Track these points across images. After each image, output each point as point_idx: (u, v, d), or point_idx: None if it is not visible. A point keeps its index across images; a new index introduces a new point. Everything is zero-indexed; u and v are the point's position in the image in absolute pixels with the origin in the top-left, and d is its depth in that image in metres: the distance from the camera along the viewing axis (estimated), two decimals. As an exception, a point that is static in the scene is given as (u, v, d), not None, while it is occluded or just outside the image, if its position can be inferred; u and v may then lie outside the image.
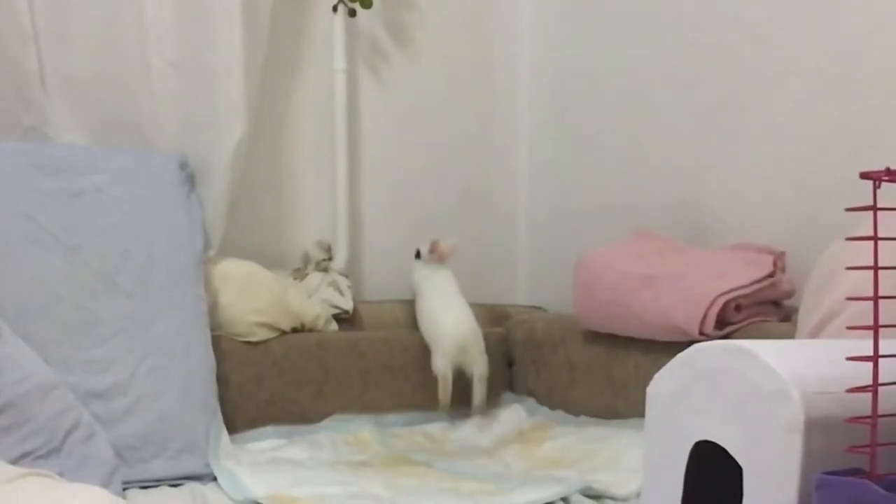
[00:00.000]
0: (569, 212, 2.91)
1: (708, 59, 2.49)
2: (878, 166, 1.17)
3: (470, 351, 2.49)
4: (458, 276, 2.76)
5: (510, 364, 2.69)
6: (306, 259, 2.70)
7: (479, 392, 2.50)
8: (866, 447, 1.14)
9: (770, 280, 2.21)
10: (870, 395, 1.15)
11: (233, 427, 2.26)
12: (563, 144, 2.95)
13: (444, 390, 2.47)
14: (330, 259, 2.70)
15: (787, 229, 2.30)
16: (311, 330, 2.51)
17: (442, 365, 2.46)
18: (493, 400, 2.59)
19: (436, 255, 2.58)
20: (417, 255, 2.62)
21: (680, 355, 1.35)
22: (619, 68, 2.75)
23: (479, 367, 2.50)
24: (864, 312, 1.19)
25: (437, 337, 2.51)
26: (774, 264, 2.22)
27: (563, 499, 1.88)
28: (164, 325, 2.19)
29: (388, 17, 2.83)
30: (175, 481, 2.06)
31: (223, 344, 2.34)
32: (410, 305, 2.72)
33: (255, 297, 2.41)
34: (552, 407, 2.54)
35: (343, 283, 2.64)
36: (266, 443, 2.28)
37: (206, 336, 2.27)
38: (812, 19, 2.25)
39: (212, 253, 2.42)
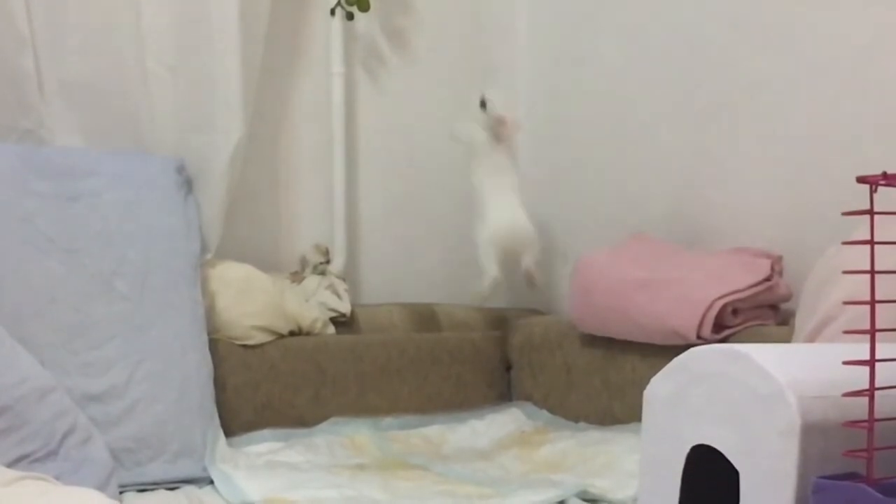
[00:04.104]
0: (566, 216, 2.91)
1: (704, 64, 2.48)
2: (875, 170, 1.17)
3: (516, 243, 2.39)
4: (456, 279, 2.77)
5: (508, 368, 2.69)
6: (304, 262, 2.70)
7: (532, 280, 2.43)
8: (863, 451, 1.14)
9: (767, 284, 2.21)
10: (866, 399, 1.15)
11: (229, 430, 2.26)
12: (561, 148, 2.95)
13: (487, 279, 2.38)
14: (327, 262, 2.70)
15: (784, 233, 2.29)
16: (308, 333, 2.51)
17: (483, 252, 2.37)
18: (490, 403, 2.59)
19: (500, 131, 2.37)
20: (482, 106, 2.39)
21: (676, 359, 1.35)
22: (616, 72, 2.75)
23: (528, 257, 2.41)
24: (860, 316, 1.19)
25: (481, 225, 2.39)
26: (772, 268, 2.22)
27: (561, 502, 1.88)
28: (161, 328, 2.19)
29: (385, 20, 2.84)
30: (172, 484, 2.06)
31: (220, 347, 2.34)
32: (408, 308, 2.71)
33: (252, 300, 2.41)
34: (550, 410, 2.54)
35: (340, 286, 2.64)
36: (263, 446, 2.28)
37: (203, 339, 2.27)
38: (809, 24, 2.25)
39: (209, 256, 2.42)
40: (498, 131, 2.40)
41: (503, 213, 2.39)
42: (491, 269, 2.38)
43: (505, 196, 2.41)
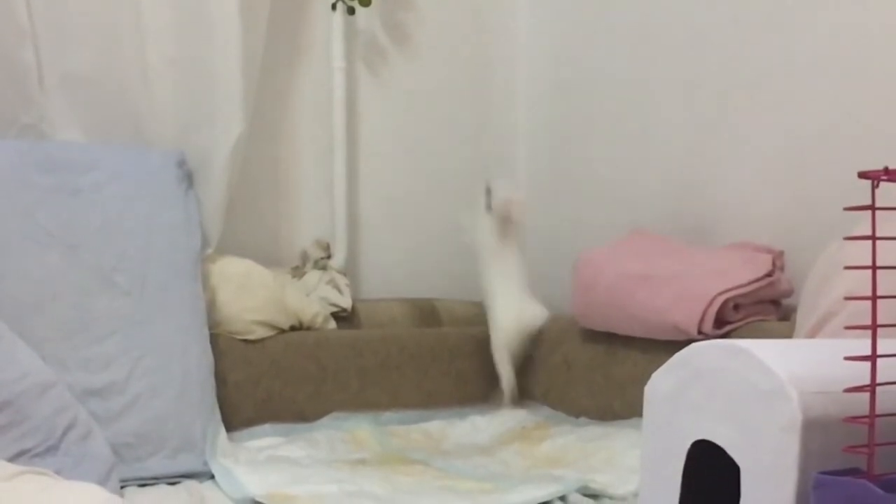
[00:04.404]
0: (567, 211, 2.91)
1: (706, 59, 2.48)
2: (877, 166, 1.17)
3: (522, 338, 2.50)
4: (458, 275, 2.77)
5: (508, 363, 2.69)
6: (305, 257, 2.70)
7: None
8: (864, 447, 1.14)
9: (768, 279, 2.21)
10: (867, 394, 1.15)
11: (230, 425, 2.26)
12: (562, 144, 2.94)
13: (504, 382, 2.51)
14: (328, 257, 2.69)
15: (786, 228, 2.29)
16: (309, 328, 2.51)
17: (497, 356, 2.49)
18: (493, 399, 2.60)
19: (504, 216, 2.44)
20: (487, 195, 2.46)
21: (677, 355, 1.35)
22: (618, 68, 2.75)
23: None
24: (862, 312, 1.19)
25: (492, 326, 2.51)
26: (773, 263, 2.22)
27: (561, 498, 1.88)
28: (162, 323, 2.19)
29: (386, 15, 2.83)
30: (172, 479, 2.06)
31: (221, 342, 2.34)
32: (409, 303, 2.71)
33: (252, 295, 2.41)
34: (551, 406, 2.54)
35: (341, 281, 2.64)
36: (264, 441, 2.28)
37: (204, 334, 2.27)
38: (811, 18, 2.24)
39: (210, 251, 2.42)
40: (505, 215, 2.48)
41: (509, 314, 2.52)
42: (506, 374, 2.52)
43: (511, 297, 2.52)
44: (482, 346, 2.63)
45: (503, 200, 2.46)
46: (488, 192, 2.48)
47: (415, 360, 2.56)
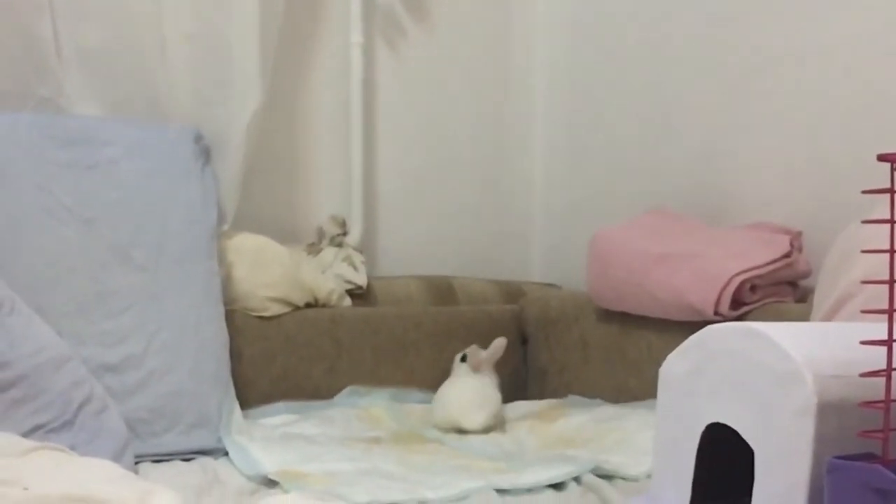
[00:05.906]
0: (584, 189, 2.90)
1: (726, 38, 2.47)
2: (897, 148, 1.16)
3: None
4: (474, 252, 2.77)
5: (524, 341, 2.69)
6: (320, 234, 2.70)
7: None
8: (879, 432, 1.13)
9: (786, 260, 2.20)
10: (883, 379, 1.14)
11: (245, 402, 2.26)
12: (580, 121, 2.93)
13: None
14: (344, 234, 2.69)
15: (804, 209, 2.28)
16: (324, 305, 2.51)
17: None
18: (505, 377, 2.59)
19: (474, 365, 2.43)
20: (463, 358, 2.45)
21: (693, 336, 1.34)
22: (638, 46, 2.73)
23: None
24: (879, 295, 1.18)
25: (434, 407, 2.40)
26: (791, 244, 2.21)
27: (575, 478, 1.88)
28: (178, 298, 2.19)
29: (405, -10, 2.82)
30: (187, 455, 2.06)
31: (236, 318, 2.34)
32: (425, 281, 2.71)
33: (268, 271, 2.41)
34: (566, 385, 2.54)
35: (357, 258, 2.64)
36: (278, 418, 2.28)
37: (220, 310, 2.26)
38: (832, -2, 2.23)
39: (226, 227, 2.42)
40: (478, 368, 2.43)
41: (447, 406, 2.36)
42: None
43: (459, 396, 2.37)
44: (498, 324, 2.63)
45: (477, 361, 2.43)
46: (464, 358, 2.45)
47: (430, 337, 2.56)
